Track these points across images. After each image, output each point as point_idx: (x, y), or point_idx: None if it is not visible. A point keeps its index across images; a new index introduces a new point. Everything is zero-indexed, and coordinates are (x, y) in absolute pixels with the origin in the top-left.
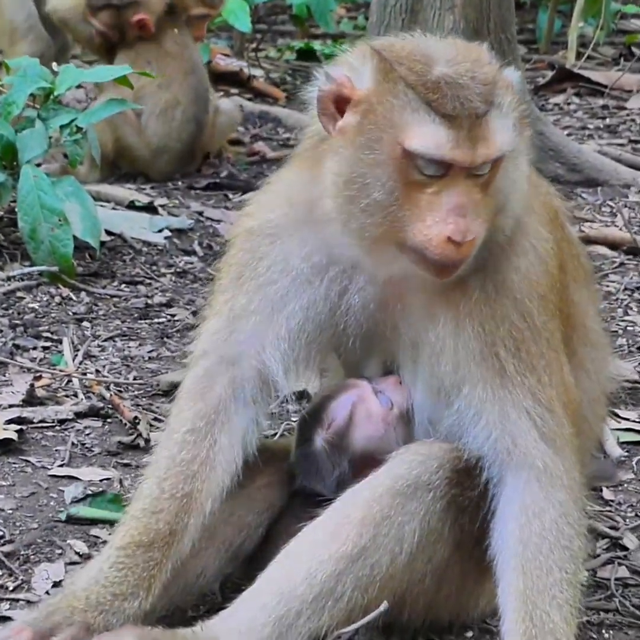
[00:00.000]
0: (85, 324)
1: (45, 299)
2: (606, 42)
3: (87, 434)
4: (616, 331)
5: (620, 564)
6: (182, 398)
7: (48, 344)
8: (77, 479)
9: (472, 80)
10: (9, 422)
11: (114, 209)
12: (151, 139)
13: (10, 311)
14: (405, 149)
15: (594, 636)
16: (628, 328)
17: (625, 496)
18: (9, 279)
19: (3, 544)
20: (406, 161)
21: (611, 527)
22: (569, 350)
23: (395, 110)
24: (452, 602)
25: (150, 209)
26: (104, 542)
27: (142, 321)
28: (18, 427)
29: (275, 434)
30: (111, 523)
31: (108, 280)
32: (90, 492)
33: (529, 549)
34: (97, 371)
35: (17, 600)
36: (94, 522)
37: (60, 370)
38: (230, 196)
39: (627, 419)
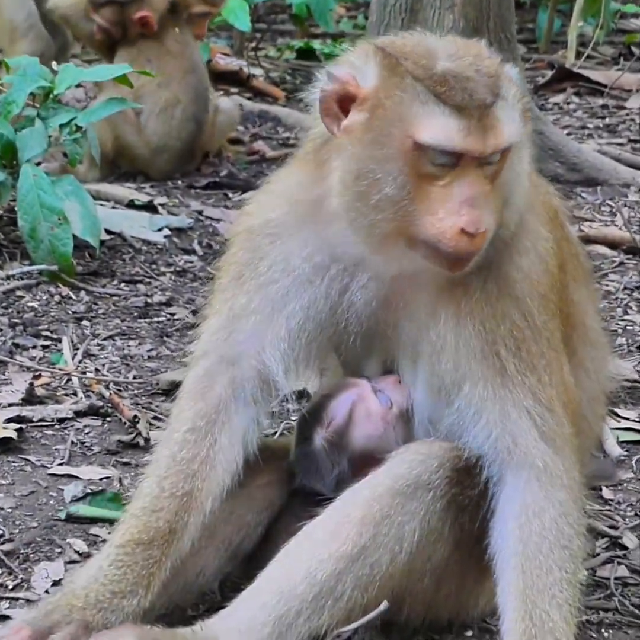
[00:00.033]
0: (84, 322)
1: (44, 297)
2: (606, 41)
3: (87, 433)
4: (616, 330)
5: (619, 563)
6: (182, 398)
7: (47, 342)
8: (76, 477)
9: (477, 73)
10: (9, 420)
11: (113, 208)
12: (151, 137)
13: (10, 310)
14: (416, 141)
15: (594, 635)
16: (627, 327)
17: (625, 495)
18: (8, 277)
19: (2, 543)
20: (417, 154)
21: (611, 526)
22: (569, 350)
23: (404, 103)
24: (452, 601)
25: (149, 208)
26: (104, 540)
27: (142, 320)
28: (17, 425)
29: (275, 432)
30: (111, 522)
31: (108, 279)
32: (89, 491)
33: (529, 548)
34: (97, 370)
35: (17, 599)
36: (93, 520)
37: (60, 369)
38: (230, 195)
39: (627, 418)
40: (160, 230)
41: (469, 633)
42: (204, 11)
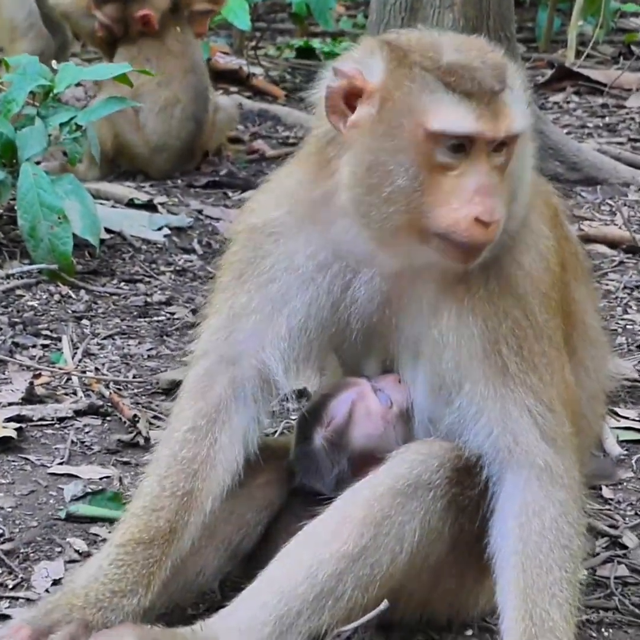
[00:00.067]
0: (84, 322)
1: (44, 297)
2: (605, 40)
3: (87, 432)
4: (615, 330)
5: (619, 563)
6: (183, 397)
7: (47, 342)
8: (76, 477)
9: (483, 63)
10: (9, 420)
11: (113, 207)
12: (150, 136)
13: (10, 309)
14: (428, 130)
15: (594, 635)
16: (627, 326)
17: (625, 495)
18: (8, 276)
19: (3, 542)
20: (429, 144)
21: (611, 526)
22: (569, 348)
23: (413, 94)
24: (452, 601)
25: (149, 207)
26: (104, 540)
27: (142, 319)
28: (17, 425)
29: (275, 432)
30: (111, 521)
31: (107, 278)
32: (89, 490)
33: (529, 547)
34: (97, 369)
35: (17, 598)
36: (93, 520)
37: (60, 368)
38: (230, 194)
39: (627, 418)
40: (160, 229)
41: (469, 632)
42: (205, 9)
